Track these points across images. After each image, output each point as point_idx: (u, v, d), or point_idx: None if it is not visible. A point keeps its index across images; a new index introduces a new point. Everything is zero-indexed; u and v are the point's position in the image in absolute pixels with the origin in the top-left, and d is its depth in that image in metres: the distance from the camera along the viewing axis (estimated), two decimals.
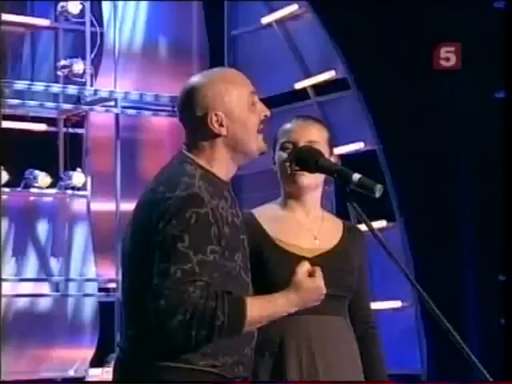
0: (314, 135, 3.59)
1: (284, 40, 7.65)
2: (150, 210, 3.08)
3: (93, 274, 7.48)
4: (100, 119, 7.63)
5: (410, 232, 7.38)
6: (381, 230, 7.33)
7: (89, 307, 7.44)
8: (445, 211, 7.50)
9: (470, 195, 7.61)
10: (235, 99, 3.10)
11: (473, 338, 7.38)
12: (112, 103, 7.42)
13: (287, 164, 3.51)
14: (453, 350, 6.37)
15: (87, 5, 7.46)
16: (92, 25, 7.48)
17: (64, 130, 7.51)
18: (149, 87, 7.70)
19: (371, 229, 3.18)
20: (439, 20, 7.63)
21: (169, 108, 7.74)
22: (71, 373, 7.23)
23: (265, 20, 7.64)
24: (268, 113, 3.17)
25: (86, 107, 7.49)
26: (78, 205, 7.52)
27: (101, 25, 7.55)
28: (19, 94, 7.34)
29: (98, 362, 7.34)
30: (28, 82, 7.52)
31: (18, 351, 7.13)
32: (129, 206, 6.75)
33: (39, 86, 7.41)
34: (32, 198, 7.41)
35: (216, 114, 3.05)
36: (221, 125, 3.06)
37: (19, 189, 7.19)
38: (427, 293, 7.30)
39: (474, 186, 7.54)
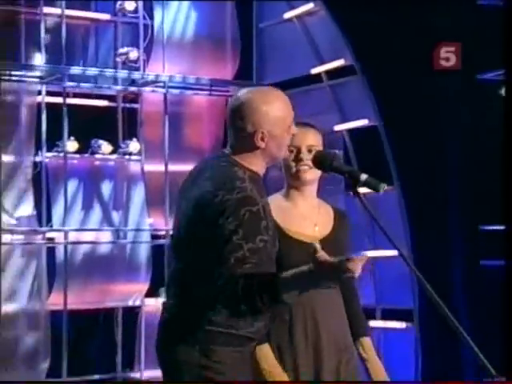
0: (313, 140, 3.82)
1: (302, 33, 7.77)
2: (207, 206, 3.37)
3: (146, 224, 7.76)
4: (151, 97, 7.83)
5: (405, 194, 7.30)
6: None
7: (143, 251, 7.70)
8: (437, 176, 7.46)
9: (462, 161, 7.52)
10: (279, 122, 3.39)
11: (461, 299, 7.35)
12: (161, 84, 7.61)
13: (292, 163, 3.78)
14: (439, 289, 6.36)
15: (140, 3, 7.78)
16: (144, 19, 7.75)
17: (122, 105, 7.77)
18: (190, 71, 7.86)
19: (374, 219, 3.48)
20: (436, 17, 7.40)
21: (207, 88, 7.97)
22: (130, 303, 7.53)
23: (286, 15, 7.80)
24: (295, 131, 3.55)
25: (139, 88, 7.73)
26: (134, 167, 7.77)
27: (151, 19, 7.80)
28: (86, 77, 7.56)
29: (151, 293, 7.59)
30: (94, 69, 7.57)
31: (85, 285, 7.40)
32: (175, 168, 7.56)
33: (108, 72, 7.61)
34: (97, 163, 7.63)
35: (262, 132, 3.33)
36: (262, 140, 3.35)
37: (87, 155, 7.49)
38: (421, 254, 6.96)
39: (466, 155, 7.46)
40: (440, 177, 7.51)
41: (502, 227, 6.95)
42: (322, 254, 3.24)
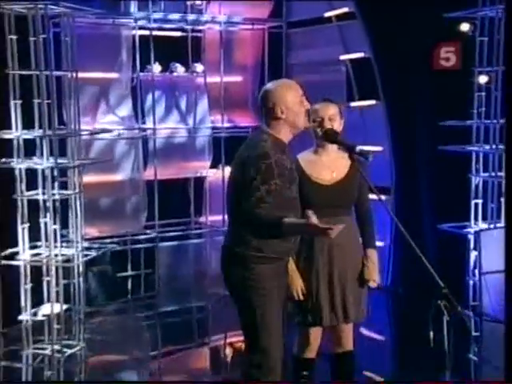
0: (333, 112, 3.94)
1: None
2: (240, 163, 3.54)
3: (208, 121, 8.02)
4: (211, 32, 7.95)
5: (389, 108, 7.27)
6: (370, 106, 7.46)
7: (206, 139, 8.08)
8: (415, 95, 7.14)
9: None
10: (291, 99, 3.54)
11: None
12: (218, 22, 7.83)
13: (318, 129, 3.91)
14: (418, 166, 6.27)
15: None
16: None
17: (191, 34, 7.88)
18: (239, 12, 8.02)
19: (371, 188, 3.68)
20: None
21: (249, 25, 8.09)
22: (198, 174, 7.92)
23: None
24: (308, 106, 3.62)
25: (203, 25, 7.89)
26: (200, 81, 7.97)
27: None
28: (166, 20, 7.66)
29: (212, 167, 8.05)
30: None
31: (169, 163, 7.73)
32: (227, 79, 7.90)
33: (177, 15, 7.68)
34: (174, 79, 7.84)
35: (281, 107, 3.51)
36: (282, 112, 3.52)
37: (167, 73, 7.75)
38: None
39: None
40: (418, 94, 7.18)
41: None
42: (313, 219, 3.39)
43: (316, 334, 4.10)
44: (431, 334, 3.01)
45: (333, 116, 3.88)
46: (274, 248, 3.58)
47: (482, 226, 6.72)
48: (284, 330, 3.75)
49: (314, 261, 3.97)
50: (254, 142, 3.55)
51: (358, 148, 3.58)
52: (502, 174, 6.70)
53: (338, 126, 3.90)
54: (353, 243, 3.99)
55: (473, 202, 6.76)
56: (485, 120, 6.61)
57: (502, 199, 6.67)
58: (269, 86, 3.60)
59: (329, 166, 3.89)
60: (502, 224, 6.69)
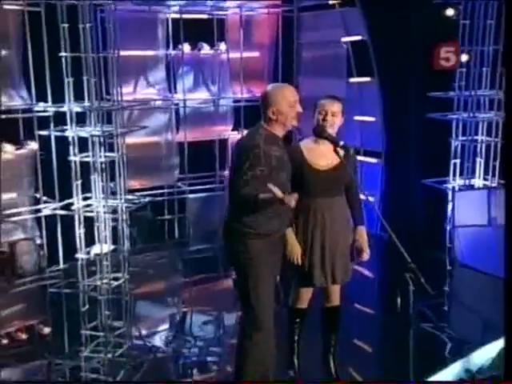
0: (336, 108, 3.85)
1: None
2: (236, 150, 3.53)
3: (230, 92, 7.96)
4: (232, 16, 7.84)
5: (382, 84, 7.22)
6: (366, 82, 7.36)
7: (229, 108, 8.01)
8: (406, 74, 7.00)
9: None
10: (282, 104, 3.52)
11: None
12: (237, 7, 7.71)
13: (321, 122, 3.83)
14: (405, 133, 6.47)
15: None
16: None
17: (216, 17, 7.73)
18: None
19: (347, 167, 3.63)
20: None
21: (266, 9, 7.97)
22: (221, 136, 7.85)
23: None
24: (300, 110, 3.54)
25: (225, 10, 7.74)
26: (223, 58, 7.88)
27: None
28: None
29: (233, 130, 7.96)
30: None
31: (196, 127, 7.69)
32: (246, 54, 7.76)
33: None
34: (201, 56, 7.81)
35: (272, 110, 3.49)
36: (273, 113, 3.50)
37: (195, 51, 7.75)
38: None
39: None
40: (407, 73, 7.00)
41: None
42: (276, 191, 3.31)
43: (308, 291, 4.14)
44: (399, 300, 3.04)
45: (335, 112, 3.80)
46: (265, 226, 3.56)
47: (460, 181, 6.87)
48: (273, 295, 3.73)
49: (310, 233, 3.95)
50: (251, 134, 3.56)
51: (341, 143, 3.61)
52: (478, 137, 6.90)
53: (339, 120, 3.83)
54: (343, 220, 3.96)
55: (452, 162, 6.88)
56: (464, 92, 6.71)
57: (478, 159, 6.87)
58: (268, 89, 3.59)
59: (326, 154, 3.82)
60: (476, 180, 6.93)
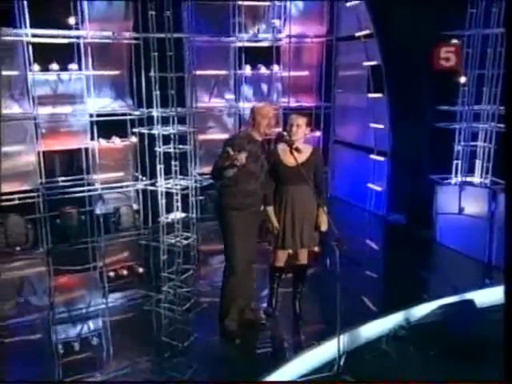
0: (300, 122, 4.33)
1: (355, 18, 8.06)
2: (223, 142, 3.97)
3: (281, 102, 8.41)
4: (284, 43, 8.33)
5: (390, 99, 7.61)
6: (378, 97, 7.72)
7: (279, 114, 8.07)
8: (411, 92, 7.27)
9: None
10: (258, 116, 4.03)
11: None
12: (286, 38, 8.25)
13: (290, 131, 4.28)
14: (407, 137, 7.30)
15: None
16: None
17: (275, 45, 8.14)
18: (303, 30, 8.42)
19: (300, 165, 3.81)
20: None
21: (312, 39, 8.58)
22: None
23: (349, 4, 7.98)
24: (272, 122, 3.98)
25: (278, 40, 8.25)
26: (277, 76, 8.31)
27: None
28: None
29: None
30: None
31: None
32: (298, 73, 8.37)
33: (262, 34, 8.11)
34: (259, 75, 8.36)
35: (253, 120, 4.07)
36: (253, 121, 4.08)
37: (255, 71, 8.33)
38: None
39: None
40: (412, 91, 7.27)
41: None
42: (230, 151, 3.65)
43: (283, 253, 4.67)
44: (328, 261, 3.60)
45: (300, 125, 4.33)
46: (239, 201, 4.10)
47: (460, 178, 7.29)
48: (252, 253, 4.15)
49: (283, 211, 4.42)
50: (237, 134, 4.24)
51: (295, 146, 4.18)
52: (479, 143, 7.22)
53: (302, 131, 4.33)
54: (308, 201, 4.43)
55: (454, 162, 7.35)
56: (466, 106, 7.18)
57: (477, 160, 7.19)
58: (255, 106, 4.27)
59: (296, 153, 4.21)
60: (475, 178, 7.20)
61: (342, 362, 4.07)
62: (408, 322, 4.81)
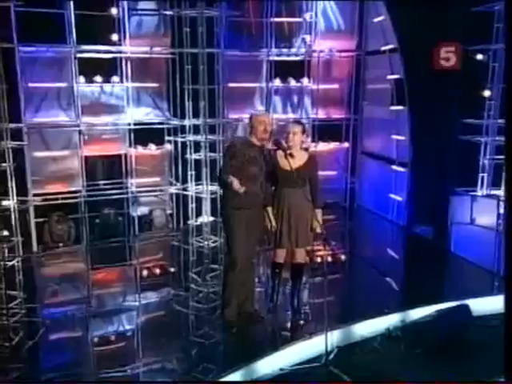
0: (296, 129, 4.48)
1: (381, 32, 8.14)
2: (224, 148, 4.06)
3: (310, 114, 8.60)
4: (314, 59, 8.55)
5: (411, 112, 7.62)
6: (400, 109, 7.73)
7: (308, 125, 8.42)
8: (432, 104, 7.27)
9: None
10: (255, 123, 4.16)
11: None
12: (316, 53, 8.48)
13: (287, 138, 4.39)
14: (426, 149, 7.47)
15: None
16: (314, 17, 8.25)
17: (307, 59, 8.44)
18: (337, 45, 8.55)
19: (294, 170, 3.91)
20: None
21: (342, 53, 8.63)
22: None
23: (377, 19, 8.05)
24: (268, 129, 4.06)
25: (310, 54, 8.44)
26: (307, 89, 8.59)
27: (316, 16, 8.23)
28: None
29: None
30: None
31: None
32: (329, 86, 8.52)
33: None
34: (289, 87, 8.52)
35: (250, 127, 4.21)
36: (251, 128, 4.24)
37: (285, 84, 8.49)
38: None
39: None
40: (432, 103, 7.29)
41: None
42: (230, 180, 3.80)
43: (282, 251, 4.76)
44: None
45: (296, 132, 4.50)
46: (234, 202, 4.29)
47: (485, 191, 7.35)
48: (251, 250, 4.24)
49: (281, 212, 4.52)
50: (237, 140, 4.36)
51: (289, 152, 4.38)
52: (500, 157, 7.17)
53: (298, 138, 4.47)
54: (304, 203, 4.51)
55: (480, 175, 7.43)
56: (492, 120, 7.26)
57: (504, 174, 6.43)
58: (253, 113, 4.40)
59: (293, 159, 4.37)
60: (495, 190, 7.23)
61: (331, 356, 4.26)
62: (403, 322, 4.95)
